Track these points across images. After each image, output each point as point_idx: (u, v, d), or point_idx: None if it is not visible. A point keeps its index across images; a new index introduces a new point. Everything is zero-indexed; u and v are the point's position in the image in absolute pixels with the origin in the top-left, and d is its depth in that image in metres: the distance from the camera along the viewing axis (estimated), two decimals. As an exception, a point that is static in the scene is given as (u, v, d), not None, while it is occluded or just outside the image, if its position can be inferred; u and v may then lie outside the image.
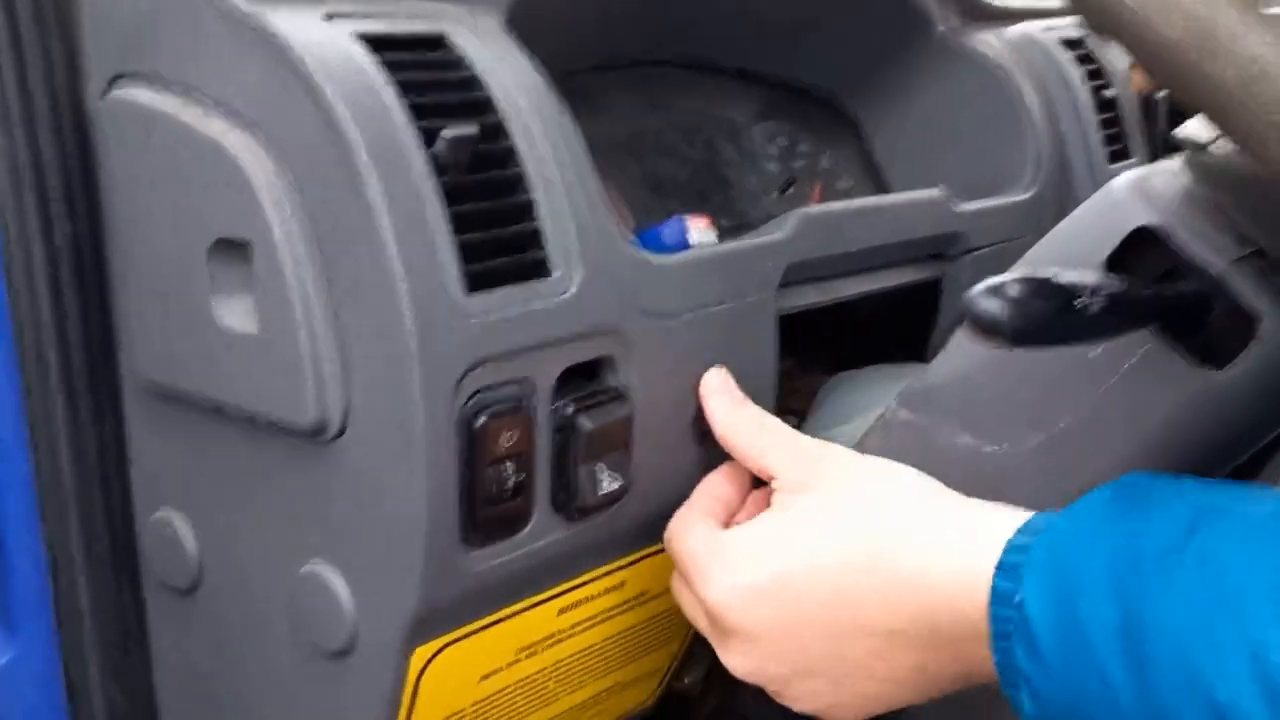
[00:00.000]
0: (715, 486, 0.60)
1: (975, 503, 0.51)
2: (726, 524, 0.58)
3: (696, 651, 0.82)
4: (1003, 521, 0.48)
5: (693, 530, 0.57)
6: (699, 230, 0.63)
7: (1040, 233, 0.64)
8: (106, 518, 0.64)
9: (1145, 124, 1.01)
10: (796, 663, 0.52)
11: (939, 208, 0.78)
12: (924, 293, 0.82)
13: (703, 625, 0.56)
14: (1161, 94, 1.03)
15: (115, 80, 0.57)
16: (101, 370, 0.62)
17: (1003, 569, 0.46)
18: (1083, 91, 0.95)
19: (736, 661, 0.54)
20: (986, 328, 0.43)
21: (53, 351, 0.60)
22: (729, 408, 0.60)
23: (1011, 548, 0.46)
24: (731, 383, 0.62)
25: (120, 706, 0.67)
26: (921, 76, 0.93)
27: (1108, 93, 0.97)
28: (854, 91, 0.96)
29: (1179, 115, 1.05)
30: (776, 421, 0.60)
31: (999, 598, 0.45)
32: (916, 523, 0.50)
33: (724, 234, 0.69)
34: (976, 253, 0.82)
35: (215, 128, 0.53)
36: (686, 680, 0.85)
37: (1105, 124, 0.96)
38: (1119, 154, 0.97)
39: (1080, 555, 0.44)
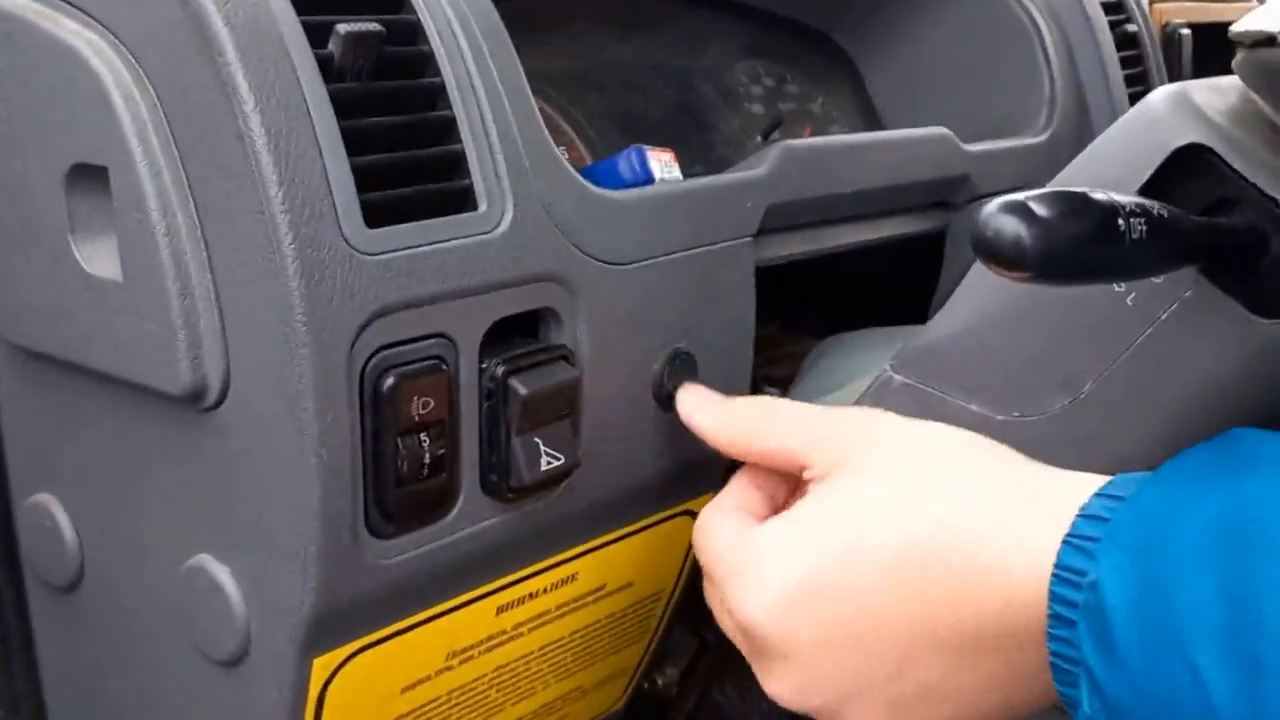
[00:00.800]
0: (756, 473, 0.49)
1: (1047, 470, 0.42)
2: (766, 519, 0.48)
3: (670, 648, 0.74)
4: (1081, 485, 0.39)
5: (721, 527, 0.47)
6: (661, 163, 0.54)
7: (1056, 179, 0.55)
8: (-25, 501, 0.55)
9: (1168, 61, 0.92)
10: (847, 686, 0.43)
11: (944, 147, 0.69)
12: (925, 247, 0.73)
13: (740, 643, 0.47)
14: (1186, 30, 0.94)
15: (-42, -20, 0.48)
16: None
17: (1072, 542, 0.37)
18: (1102, 26, 0.86)
19: (776, 687, 0.45)
20: (1005, 253, 0.34)
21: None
22: (719, 411, 0.51)
23: (1085, 517, 0.37)
24: (709, 391, 0.52)
25: (1, 716, 0.59)
26: (925, 10, 0.85)
27: (1129, 27, 0.88)
28: (850, 27, 0.87)
29: (1203, 52, 0.96)
30: (783, 401, 0.51)
31: (1064, 575, 0.37)
32: (979, 504, 0.41)
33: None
34: (985, 200, 0.73)
35: (65, 28, 0.44)
36: (661, 681, 0.76)
37: (1126, 62, 0.87)
38: (1140, 95, 0.88)
39: (1175, 527, 0.35)
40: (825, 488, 0.45)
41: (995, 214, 0.34)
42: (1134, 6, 0.89)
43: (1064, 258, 0.35)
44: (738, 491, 0.49)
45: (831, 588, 0.42)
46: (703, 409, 0.52)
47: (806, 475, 0.46)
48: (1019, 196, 0.35)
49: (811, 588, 0.43)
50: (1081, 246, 0.35)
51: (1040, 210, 0.34)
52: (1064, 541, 0.38)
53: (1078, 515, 0.38)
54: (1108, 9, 0.87)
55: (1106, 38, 0.85)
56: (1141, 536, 0.36)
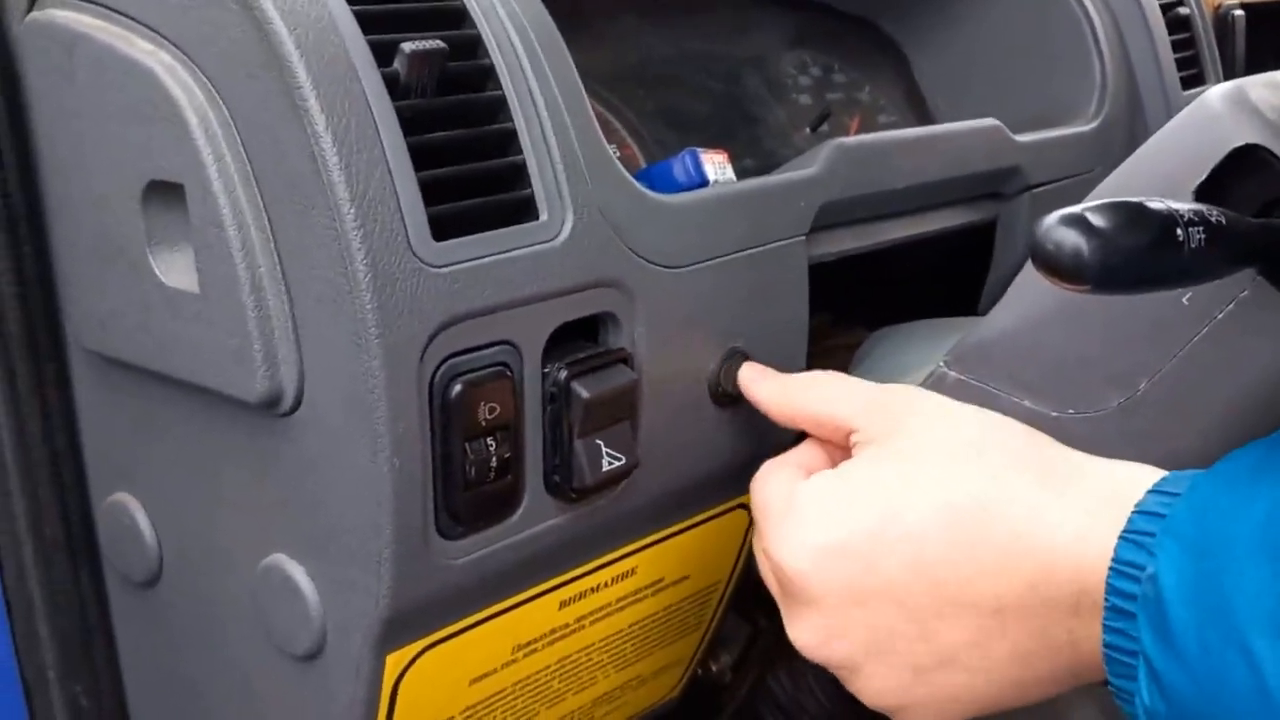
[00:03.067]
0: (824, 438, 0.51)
1: (1096, 458, 0.43)
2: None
3: (724, 635, 0.75)
4: (1134, 479, 0.40)
5: (774, 478, 0.49)
6: (715, 165, 0.55)
7: (1108, 167, 0.55)
8: (57, 500, 0.58)
9: (1221, 45, 0.91)
10: (870, 640, 0.44)
11: (994, 139, 0.69)
12: (976, 238, 0.73)
13: (774, 588, 0.49)
14: (1239, 11, 0.93)
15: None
16: (43, 335, 0.55)
17: (1130, 537, 0.38)
18: (1153, 9, 0.85)
19: (801, 634, 0.46)
20: (1065, 266, 0.34)
21: (-19, 315, 0.53)
22: (775, 382, 0.53)
23: (1141, 513, 0.38)
24: (766, 368, 0.55)
25: (84, 705, 0.61)
26: (972, -5, 0.84)
27: (1181, 10, 0.88)
28: (896, 13, 0.87)
29: (1258, 34, 0.95)
30: (835, 374, 0.53)
31: (1122, 569, 0.38)
32: (1029, 473, 0.42)
33: (750, 176, 0.60)
34: (1036, 190, 0.73)
35: (140, 49, 0.46)
36: (715, 668, 0.77)
37: (1178, 45, 0.86)
38: (1193, 79, 0.87)
39: (1230, 523, 0.36)
40: (873, 451, 0.46)
41: (1054, 227, 0.35)
42: (1185, -12, 0.89)
43: (1123, 269, 0.35)
44: (800, 450, 0.51)
45: (870, 544, 0.44)
46: (760, 382, 0.54)
47: (854, 439, 0.48)
48: (1077, 209, 0.35)
49: (851, 542, 0.44)
50: (1140, 257, 0.35)
51: (1099, 222, 0.35)
52: (1121, 537, 0.38)
53: (1134, 511, 0.39)
54: (1159, -9, 0.86)
55: (1158, 21, 0.85)
56: (1197, 531, 0.37)
